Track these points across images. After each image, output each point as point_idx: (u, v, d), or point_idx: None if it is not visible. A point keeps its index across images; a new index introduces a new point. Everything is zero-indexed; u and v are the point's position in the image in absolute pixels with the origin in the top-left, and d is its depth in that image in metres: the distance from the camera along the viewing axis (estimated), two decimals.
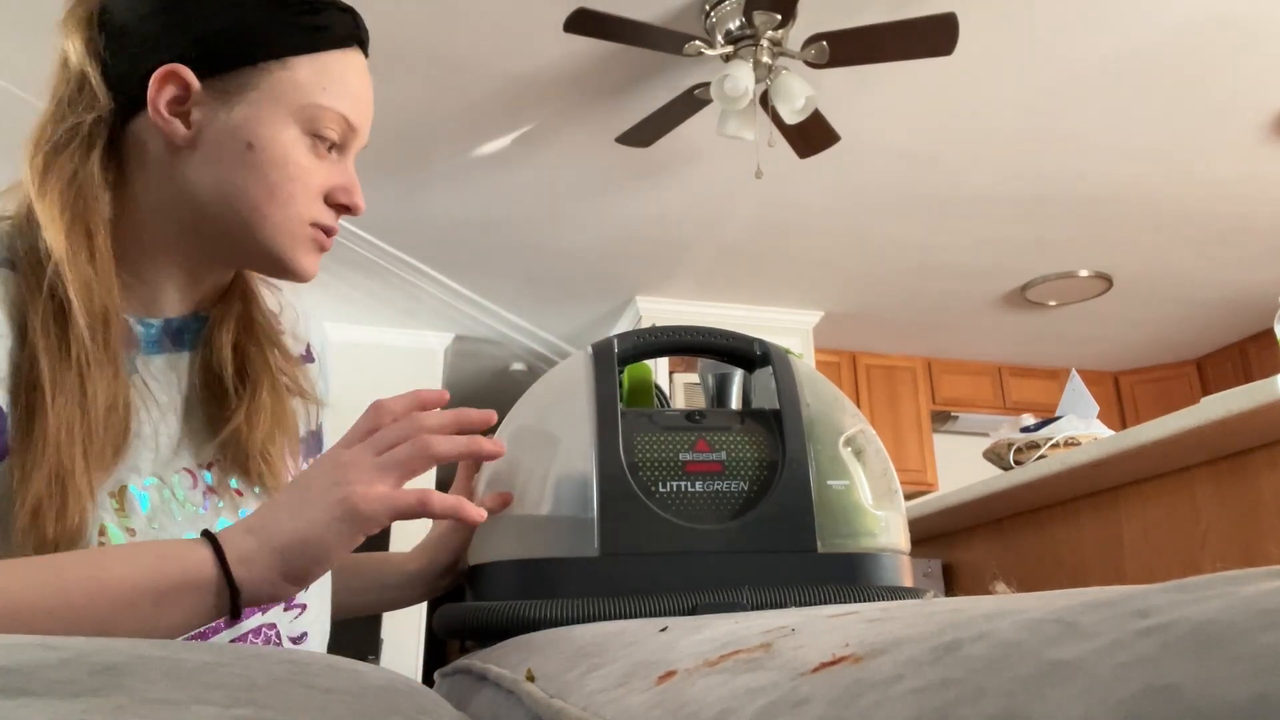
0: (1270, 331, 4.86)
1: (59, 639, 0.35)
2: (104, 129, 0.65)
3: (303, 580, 0.57)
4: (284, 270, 0.71)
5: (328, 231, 0.71)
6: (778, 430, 0.68)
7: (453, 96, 2.98)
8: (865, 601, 0.63)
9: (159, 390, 0.68)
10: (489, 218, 3.77)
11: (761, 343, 0.75)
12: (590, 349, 0.72)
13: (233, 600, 0.55)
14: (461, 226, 3.84)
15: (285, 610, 0.70)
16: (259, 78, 0.66)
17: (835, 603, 0.61)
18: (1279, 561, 1.48)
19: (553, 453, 0.67)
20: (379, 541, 4.37)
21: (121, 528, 0.62)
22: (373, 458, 0.58)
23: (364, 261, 4.11)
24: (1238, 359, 5.14)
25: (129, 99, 0.66)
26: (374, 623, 4.31)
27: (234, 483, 0.70)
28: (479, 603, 0.65)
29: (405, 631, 4.41)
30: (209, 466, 0.69)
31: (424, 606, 4.50)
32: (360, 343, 4.84)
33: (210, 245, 0.69)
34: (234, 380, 0.71)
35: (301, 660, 0.37)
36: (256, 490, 0.71)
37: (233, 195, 0.66)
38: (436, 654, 4.42)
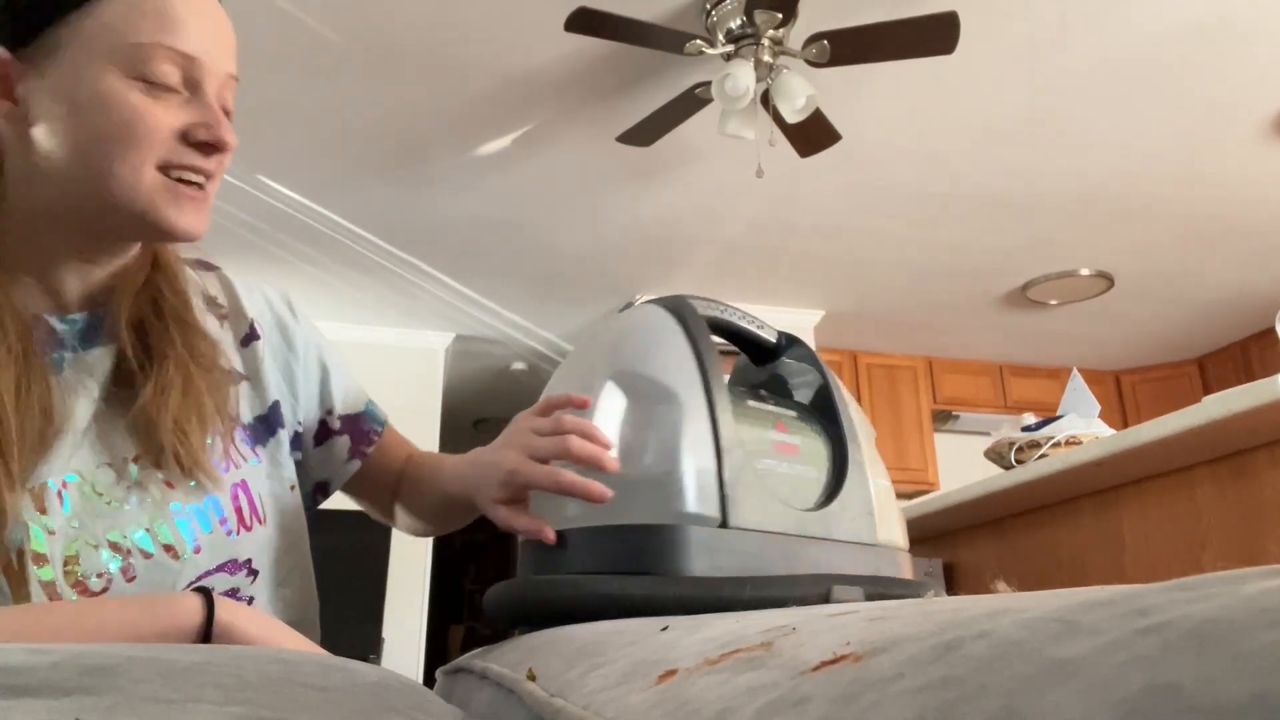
0: (1272, 330, 4.86)
1: (47, 645, 0.35)
2: None
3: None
4: (155, 229, 0.65)
5: (193, 175, 0.64)
6: (830, 423, 0.68)
7: (453, 96, 2.98)
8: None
9: (90, 385, 0.67)
10: (489, 218, 3.77)
11: (789, 336, 0.75)
12: (664, 304, 0.66)
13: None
14: (461, 226, 3.84)
15: (232, 575, 0.69)
16: (66, 34, 0.62)
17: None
18: (1279, 561, 1.48)
19: (662, 413, 0.59)
20: (376, 582, 4.36)
21: (41, 527, 0.60)
22: None
23: (364, 261, 4.10)
24: (1239, 358, 5.13)
25: None
26: (374, 623, 4.31)
27: (161, 475, 0.67)
28: (608, 575, 0.55)
29: (405, 631, 4.41)
30: (135, 460, 0.66)
31: (425, 605, 4.50)
32: (360, 343, 4.84)
33: (85, 222, 0.65)
34: (140, 356, 0.67)
35: (292, 660, 0.37)
36: (191, 483, 0.67)
37: (76, 161, 0.62)
38: (437, 653, 4.42)
